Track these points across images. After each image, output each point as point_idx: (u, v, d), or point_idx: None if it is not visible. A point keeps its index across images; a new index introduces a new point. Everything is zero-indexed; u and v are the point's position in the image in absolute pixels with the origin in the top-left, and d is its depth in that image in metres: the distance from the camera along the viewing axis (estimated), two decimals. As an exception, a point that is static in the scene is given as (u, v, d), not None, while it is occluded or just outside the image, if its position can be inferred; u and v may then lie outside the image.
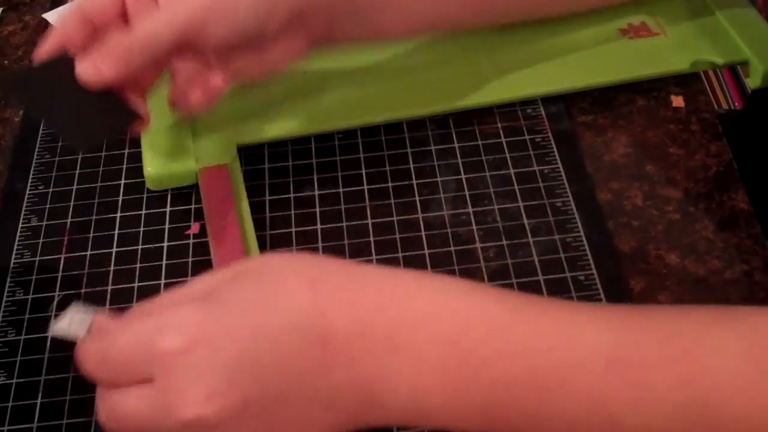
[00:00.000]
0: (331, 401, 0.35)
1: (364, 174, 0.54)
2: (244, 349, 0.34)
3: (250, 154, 0.55)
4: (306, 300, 0.35)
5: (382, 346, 0.35)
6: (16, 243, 0.52)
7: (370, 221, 0.51)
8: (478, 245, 0.50)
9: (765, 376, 0.33)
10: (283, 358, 0.34)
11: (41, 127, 0.58)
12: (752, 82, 0.57)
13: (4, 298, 0.49)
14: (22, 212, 0.53)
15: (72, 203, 0.54)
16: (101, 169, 0.56)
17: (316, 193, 0.53)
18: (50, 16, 0.67)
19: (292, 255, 0.38)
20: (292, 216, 0.52)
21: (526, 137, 0.55)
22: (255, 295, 0.35)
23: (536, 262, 0.49)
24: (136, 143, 0.56)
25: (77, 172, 0.55)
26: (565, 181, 0.53)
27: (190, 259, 0.50)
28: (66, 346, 0.46)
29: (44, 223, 0.53)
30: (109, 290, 0.49)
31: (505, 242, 0.50)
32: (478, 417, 0.35)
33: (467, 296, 0.36)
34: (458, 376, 0.35)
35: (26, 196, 0.54)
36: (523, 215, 0.51)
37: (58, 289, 0.49)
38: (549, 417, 0.35)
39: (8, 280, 0.50)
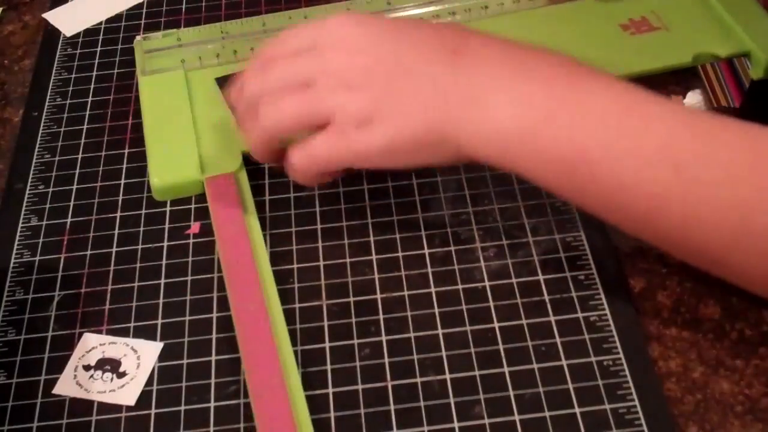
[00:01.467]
0: (446, 89, 0.44)
1: (363, 173, 0.54)
2: (391, 32, 0.46)
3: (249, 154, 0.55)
4: (451, 33, 0.46)
5: (508, 68, 0.43)
6: (16, 243, 0.52)
7: (369, 221, 0.51)
8: (478, 245, 0.50)
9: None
10: (420, 47, 0.45)
11: (41, 127, 0.58)
12: (754, 74, 0.56)
13: (4, 298, 0.49)
14: (22, 212, 0.53)
15: (72, 203, 0.54)
16: (101, 169, 0.56)
17: (316, 192, 0.53)
18: (50, 16, 0.67)
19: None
20: (292, 216, 0.52)
21: (527, 136, 0.55)
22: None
23: (536, 262, 0.49)
24: (136, 143, 0.56)
25: (77, 172, 0.55)
26: (565, 180, 0.52)
27: (190, 259, 0.50)
28: (65, 346, 0.47)
29: (44, 223, 0.53)
30: (109, 290, 0.49)
31: (505, 242, 0.50)
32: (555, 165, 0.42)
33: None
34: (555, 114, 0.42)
35: (26, 196, 0.54)
36: (523, 215, 0.51)
37: (58, 289, 0.49)
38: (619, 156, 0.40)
39: (8, 279, 0.50)
